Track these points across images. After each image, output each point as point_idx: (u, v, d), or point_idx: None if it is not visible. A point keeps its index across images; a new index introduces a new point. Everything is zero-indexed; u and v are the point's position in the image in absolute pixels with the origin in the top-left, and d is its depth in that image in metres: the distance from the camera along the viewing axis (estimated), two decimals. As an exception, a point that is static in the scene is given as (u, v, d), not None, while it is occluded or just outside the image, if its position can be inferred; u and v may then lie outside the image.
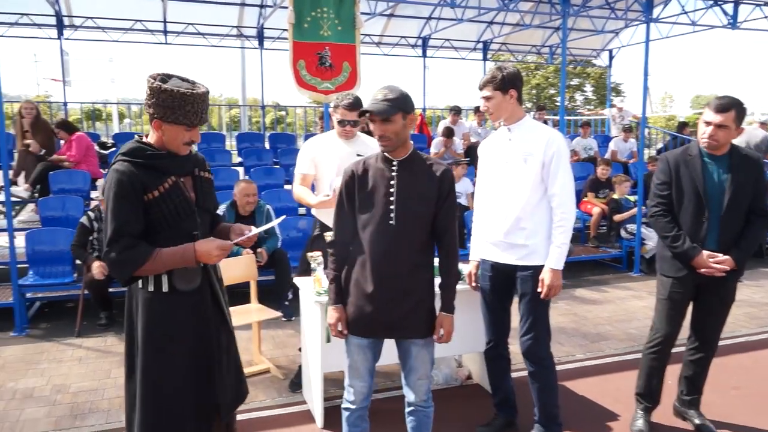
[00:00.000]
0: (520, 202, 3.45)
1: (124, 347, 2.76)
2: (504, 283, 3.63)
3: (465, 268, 3.88)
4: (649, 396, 3.88)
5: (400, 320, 2.90)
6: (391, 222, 2.83)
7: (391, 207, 2.83)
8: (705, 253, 3.50)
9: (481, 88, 3.50)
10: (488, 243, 3.64)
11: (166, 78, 2.55)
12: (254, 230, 2.84)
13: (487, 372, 3.94)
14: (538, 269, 3.45)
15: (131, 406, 2.73)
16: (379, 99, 2.80)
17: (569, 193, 3.42)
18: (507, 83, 3.40)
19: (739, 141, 9.18)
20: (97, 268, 5.75)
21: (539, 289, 3.42)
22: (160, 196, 2.56)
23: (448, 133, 10.54)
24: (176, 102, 2.49)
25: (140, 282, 2.65)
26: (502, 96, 3.42)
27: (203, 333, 2.73)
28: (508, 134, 3.52)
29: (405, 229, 2.85)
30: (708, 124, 3.48)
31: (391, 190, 2.84)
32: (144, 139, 2.65)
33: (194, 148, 2.76)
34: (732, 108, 3.42)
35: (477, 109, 12.13)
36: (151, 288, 2.64)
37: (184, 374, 2.68)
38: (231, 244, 2.68)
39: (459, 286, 4.07)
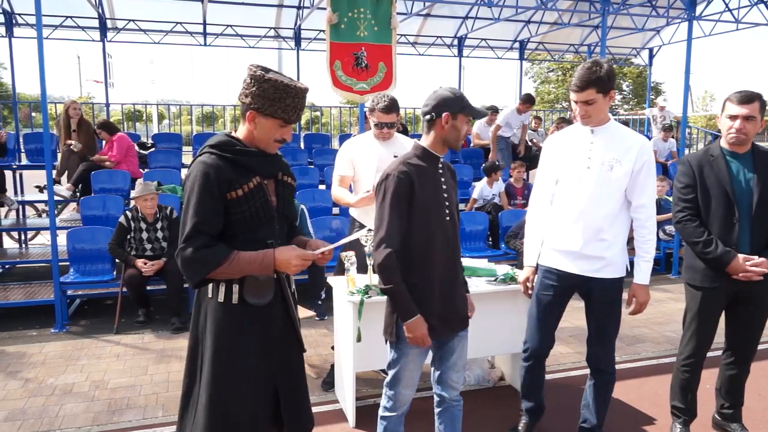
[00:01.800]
0: (602, 211, 3.23)
1: (187, 354, 2.58)
2: (568, 294, 3.45)
3: (520, 274, 3.71)
4: (686, 410, 3.74)
5: (459, 313, 2.93)
6: (447, 218, 2.84)
7: (446, 203, 2.85)
8: (740, 256, 3.34)
9: (582, 89, 3.08)
10: (555, 251, 3.39)
11: (267, 70, 2.41)
12: (330, 245, 2.61)
13: (523, 379, 3.72)
14: (616, 281, 3.32)
15: (184, 408, 2.58)
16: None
17: (654, 205, 3.30)
18: (610, 83, 3.07)
19: None
20: (144, 265, 5.97)
21: (629, 307, 3.33)
22: (243, 196, 2.38)
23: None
24: (278, 93, 2.35)
25: (209, 291, 2.47)
26: (604, 99, 3.10)
27: (269, 351, 2.53)
28: (591, 137, 3.23)
29: (455, 222, 2.90)
30: (734, 117, 3.33)
31: (444, 186, 2.87)
32: (233, 134, 2.50)
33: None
34: (756, 98, 3.31)
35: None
36: (220, 299, 2.45)
37: (251, 391, 2.49)
38: (313, 255, 2.47)
39: (490, 287, 4.11)
